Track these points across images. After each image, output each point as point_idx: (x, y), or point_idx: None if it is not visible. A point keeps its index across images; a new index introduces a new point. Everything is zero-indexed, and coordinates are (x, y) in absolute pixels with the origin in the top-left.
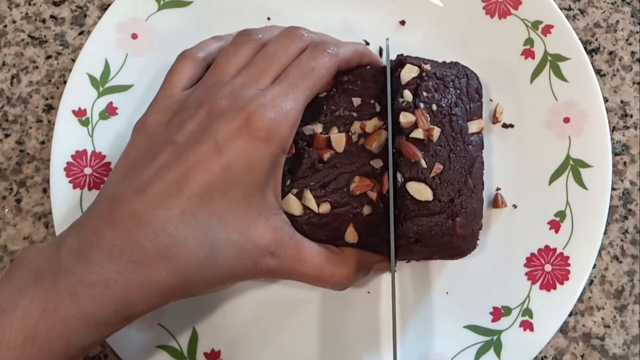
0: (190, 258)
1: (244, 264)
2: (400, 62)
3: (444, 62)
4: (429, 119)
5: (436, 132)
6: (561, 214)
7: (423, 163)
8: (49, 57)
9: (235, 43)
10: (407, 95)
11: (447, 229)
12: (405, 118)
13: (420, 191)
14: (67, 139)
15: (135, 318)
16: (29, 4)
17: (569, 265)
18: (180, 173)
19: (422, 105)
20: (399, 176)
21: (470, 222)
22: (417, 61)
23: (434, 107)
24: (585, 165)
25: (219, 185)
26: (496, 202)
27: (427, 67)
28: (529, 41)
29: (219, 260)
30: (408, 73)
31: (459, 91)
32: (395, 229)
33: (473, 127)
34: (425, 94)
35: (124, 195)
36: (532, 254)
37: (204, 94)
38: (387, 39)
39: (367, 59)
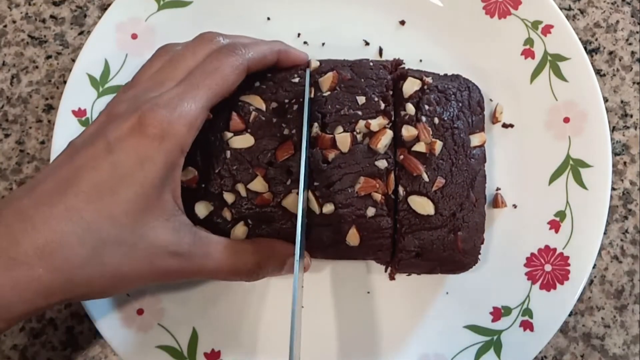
0: (70, 254)
1: (136, 263)
2: (402, 74)
3: (445, 75)
4: (431, 133)
5: (438, 145)
6: (561, 214)
7: (425, 177)
8: (49, 57)
9: (152, 56)
10: (410, 108)
11: (449, 243)
12: (408, 131)
13: (422, 205)
14: (67, 140)
15: (16, 320)
16: (29, 4)
17: (568, 265)
18: (70, 171)
19: (424, 118)
20: (400, 189)
21: (472, 236)
22: (419, 74)
23: (436, 120)
24: (585, 165)
25: (108, 183)
26: (496, 202)
27: (429, 80)
28: (529, 41)
29: (104, 259)
30: (410, 86)
31: (460, 104)
32: (395, 243)
33: (475, 140)
34: (427, 107)
35: (16, 193)
36: (532, 254)
37: (111, 101)
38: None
39: (287, 58)
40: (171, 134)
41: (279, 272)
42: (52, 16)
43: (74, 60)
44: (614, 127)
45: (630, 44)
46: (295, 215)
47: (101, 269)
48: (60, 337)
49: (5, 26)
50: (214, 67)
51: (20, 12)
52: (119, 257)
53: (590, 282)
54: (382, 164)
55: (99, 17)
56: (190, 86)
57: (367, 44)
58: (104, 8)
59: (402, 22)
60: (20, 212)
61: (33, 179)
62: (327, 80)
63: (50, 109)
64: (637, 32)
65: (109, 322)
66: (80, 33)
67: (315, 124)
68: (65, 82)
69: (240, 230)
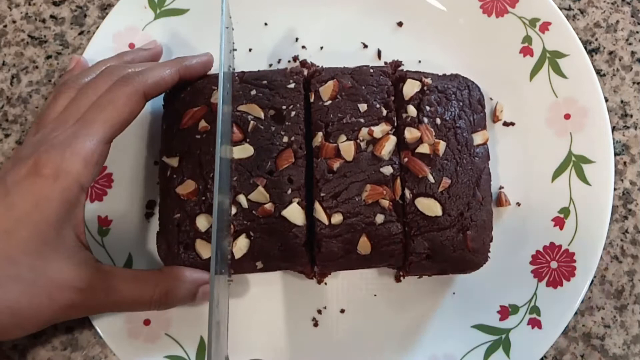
0: None
1: (35, 298)
2: (401, 76)
3: (444, 75)
4: (434, 134)
5: (442, 146)
6: (565, 211)
7: (431, 178)
8: (49, 57)
9: (55, 92)
10: (412, 110)
11: (458, 243)
12: (410, 133)
13: (429, 206)
14: None
15: None
16: (29, 4)
17: (574, 261)
18: None
19: (426, 119)
20: (407, 192)
21: (481, 235)
22: (418, 75)
23: (438, 120)
24: (587, 161)
25: (3, 225)
26: (500, 201)
27: (428, 80)
28: (527, 39)
29: (1, 296)
30: (410, 88)
31: (461, 103)
32: (406, 247)
33: (478, 138)
34: (428, 108)
35: None
36: (538, 252)
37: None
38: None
39: (190, 72)
40: (65, 171)
41: (192, 300)
42: (52, 16)
43: None
44: (614, 127)
45: (630, 44)
46: (297, 226)
47: None
48: (60, 337)
49: (5, 26)
50: (107, 100)
51: (20, 12)
52: (17, 293)
53: (591, 282)
54: (387, 170)
55: (99, 17)
56: (85, 122)
57: (365, 46)
58: (103, 8)
59: (400, 24)
60: None
61: None
62: (327, 89)
63: None
64: (637, 32)
65: (115, 333)
66: (80, 33)
67: (319, 134)
68: None
69: (242, 242)
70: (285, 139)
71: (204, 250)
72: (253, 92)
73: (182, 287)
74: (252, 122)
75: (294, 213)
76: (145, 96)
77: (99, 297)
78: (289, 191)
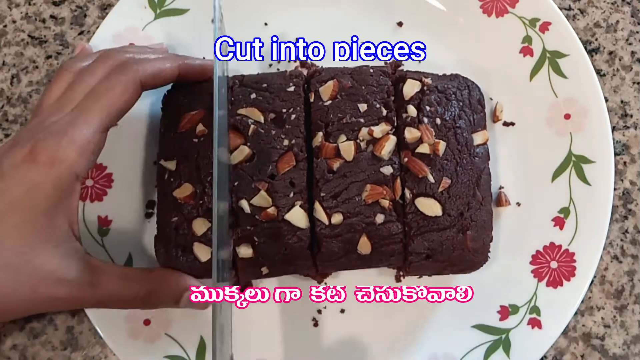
0: None
1: (18, 288)
2: (401, 76)
3: (444, 75)
4: (433, 134)
5: (442, 146)
6: (565, 211)
7: (431, 178)
8: (49, 57)
9: (54, 77)
10: (412, 110)
11: (458, 243)
12: (411, 133)
13: (429, 206)
14: None
15: None
16: (29, 4)
17: (574, 261)
18: None
19: (425, 119)
20: (407, 192)
21: (480, 235)
22: (418, 75)
23: (438, 120)
24: (587, 161)
25: None
26: (500, 201)
27: (428, 80)
28: (527, 39)
29: None
30: (410, 88)
31: (461, 103)
32: (405, 246)
33: (478, 138)
34: (428, 108)
35: None
36: (538, 252)
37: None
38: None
39: (189, 70)
40: (61, 159)
41: (175, 304)
42: (52, 16)
43: None
44: (614, 127)
45: (630, 44)
46: (300, 229)
47: None
48: (60, 337)
49: (5, 26)
50: (105, 88)
51: (20, 12)
52: (3, 280)
53: (591, 282)
54: (387, 170)
55: (99, 17)
56: (82, 110)
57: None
58: (103, 8)
59: (400, 24)
60: None
61: None
62: (327, 89)
63: None
64: (637, 32)
65: (115, 333)
66: (80, 33)
67: (319, 134)
68: None
69: (245, 247)
70: (286, 142)
71: (202, 253)
72: (253, 95)
73: (166, 290)
74: (252, 125)
75: (297, 216)
76: (143, 86)
77: (84, 291)
78: (291, 194)
